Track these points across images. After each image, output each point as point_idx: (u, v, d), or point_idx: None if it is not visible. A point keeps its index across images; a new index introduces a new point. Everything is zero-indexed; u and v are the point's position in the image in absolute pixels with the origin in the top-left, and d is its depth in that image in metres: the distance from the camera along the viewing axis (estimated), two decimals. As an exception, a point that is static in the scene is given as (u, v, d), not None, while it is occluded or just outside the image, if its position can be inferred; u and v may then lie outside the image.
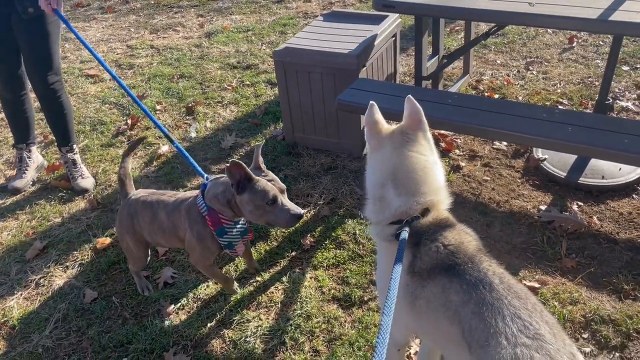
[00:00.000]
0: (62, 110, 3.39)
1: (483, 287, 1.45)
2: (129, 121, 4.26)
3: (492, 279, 1.47)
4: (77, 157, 3.59)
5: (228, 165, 2.06)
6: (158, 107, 4.48)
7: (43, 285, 2.84)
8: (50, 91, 3.27)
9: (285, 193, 2.22)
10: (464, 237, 1.61)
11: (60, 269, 2.93)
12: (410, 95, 1.74)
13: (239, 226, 2.34)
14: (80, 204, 3.43)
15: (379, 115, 1.73)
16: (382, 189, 1.66)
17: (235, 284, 2.66)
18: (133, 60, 5.45)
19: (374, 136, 1.70)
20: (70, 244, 3.09)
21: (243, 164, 2.07)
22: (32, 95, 3.50)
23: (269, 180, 2.18)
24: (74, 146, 3.56)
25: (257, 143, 2.29)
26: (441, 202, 1.68)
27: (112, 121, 4.34)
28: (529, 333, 1.33)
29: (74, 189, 3.52)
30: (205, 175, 2.39)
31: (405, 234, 1.56)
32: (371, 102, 1.75)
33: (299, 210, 2.17)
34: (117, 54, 5.63)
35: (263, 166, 2.26)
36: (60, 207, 3.40)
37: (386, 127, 1.73)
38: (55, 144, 3.63)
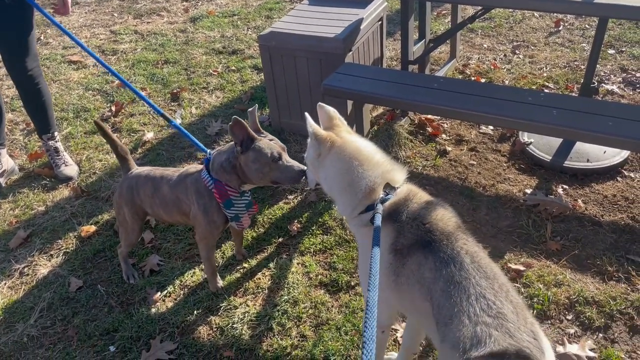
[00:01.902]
0: (40, 98, 3.30)
1: (453, 266, 1.48)
2: (113, 108, 4.20)
3: (464, 258, 1.50)
4: (59, 144, 3.53)
5: (230, 124, 2.09)
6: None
7: (27, 274, 2.81)
8: (29, 78, 3.19)
9: (286, 151, 2.27)
10: (443, 214, 1.64)
11: (45, 257, 2.90)
12: (320, 103, 1.92)
13: (244, 198, 2.35)
14: (64, 192, 3.39)
15: (315, 124, 1.81)
16: (349, 173, 1.73)
17: (220, 282, 2.62)
18: (117, 45, 5.36)
19: (324, 141, 1.78)
20: (54, 233, 3.06)
21: (244, 122, 2.10)
22: (6, 91, 3.33)
23: (270, 140, 2.23)
24: (55, 133, 3.50)
25: (249, 109, 2.29)
26: (394, 170, 1.77)
27: (96, 108, 4.28)
28: (492, 312, 1.37)
29: (58, 177, 3.47)
30: (207, 150, 2.40)
31: (379, 217, 1.59)
32: (305, 113, 1.87)
33: (302, 166, 2.20)
34: (100, 40, 5.54)
35: (261, 129, 2.29)
36: (43, 195, 3.36)
37: (326, 131, 1.83)
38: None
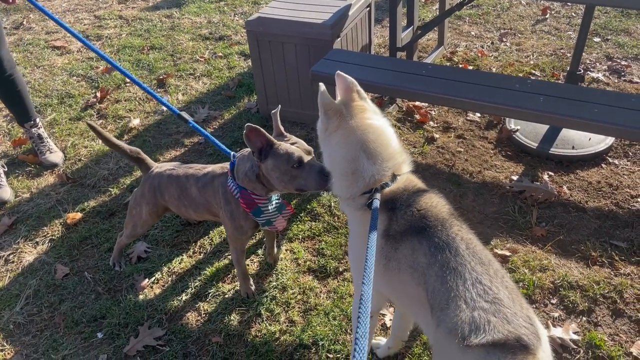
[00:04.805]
0: (15, 87, 3.19)
1: (449, 251, 1.49)
2: (98, 94, 4.15)
3: (459, 244, 1.50)
4: (42, 131, 3.48)
5: (245, 132, 1.90)
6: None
7: (12, 262, 2.78)
8: (1, 70, 3.07)
9: (313, 154, 2.05)
10: (437, 201, 1.64)
11: (30, 244, 2.87)
12: (339, 71, 1.76)
13: (274, 202, 2.22)
14: (49, 178, 3.35)
15: (330, 97, 1.70)
16: (354, 162, 1.65)
17: (252, 286, 2.53)
18: (101, 31, 5.28)
19: (333, 117, 1.68)
20: (39, 220, 3.03)
21: (260, 128, 1.90)
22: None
23: (292, 143, 2.03)
24: (37, 120, 3.44)
25: (272, 111, 2.10)
26: (404, 162, 1.70)
27: (81, 94, 4.22)
28: (488, 297, 1.38)
29: (43, 163, 3.43)
30: (232, 152, 2.26)
31: (377, 203, 1.57)
32: (320, 84, 1.71)
33: (325, 167, 1.91)
34: (84, 25, 5.45)
35: (285, 132, 2.10)
36: (28, 182, 3.32)
37: (337, 105, 1.71)
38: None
